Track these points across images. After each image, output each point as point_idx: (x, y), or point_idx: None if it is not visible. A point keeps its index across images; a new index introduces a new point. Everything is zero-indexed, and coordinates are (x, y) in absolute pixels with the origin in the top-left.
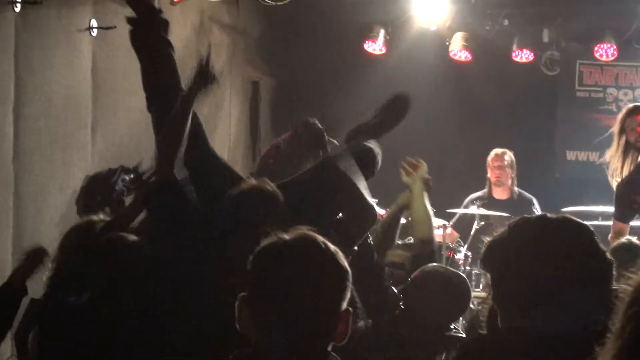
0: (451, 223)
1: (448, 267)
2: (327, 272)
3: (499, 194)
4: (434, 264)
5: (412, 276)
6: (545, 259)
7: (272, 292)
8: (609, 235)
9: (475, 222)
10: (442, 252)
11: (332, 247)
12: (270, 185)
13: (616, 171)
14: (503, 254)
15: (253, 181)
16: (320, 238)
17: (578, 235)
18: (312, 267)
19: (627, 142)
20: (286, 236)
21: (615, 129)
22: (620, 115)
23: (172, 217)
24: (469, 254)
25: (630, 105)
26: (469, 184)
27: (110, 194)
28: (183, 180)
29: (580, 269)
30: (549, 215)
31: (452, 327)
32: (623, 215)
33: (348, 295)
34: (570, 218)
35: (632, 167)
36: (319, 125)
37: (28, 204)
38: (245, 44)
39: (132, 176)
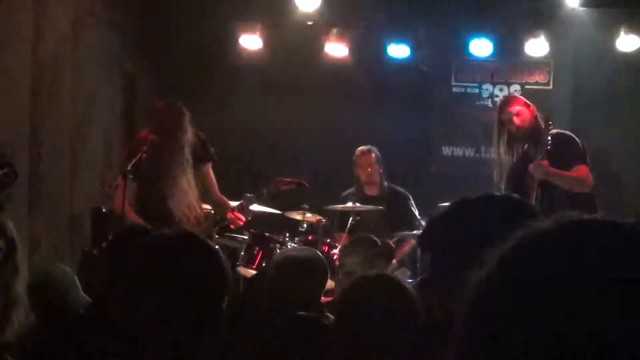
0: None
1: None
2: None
3: (370, 190)
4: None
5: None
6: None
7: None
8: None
9: (351, 218)
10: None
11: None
12: None
13: (507, 164)
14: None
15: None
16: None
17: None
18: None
19: (509, 134)
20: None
21: (495, 126)
22: (496, 112)
23: None
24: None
25: (501, 97)
26: (345, 182)
27: None
28: None
29: None
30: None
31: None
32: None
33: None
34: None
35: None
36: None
37: None
38: (121, 37)
39: (5, 170)
